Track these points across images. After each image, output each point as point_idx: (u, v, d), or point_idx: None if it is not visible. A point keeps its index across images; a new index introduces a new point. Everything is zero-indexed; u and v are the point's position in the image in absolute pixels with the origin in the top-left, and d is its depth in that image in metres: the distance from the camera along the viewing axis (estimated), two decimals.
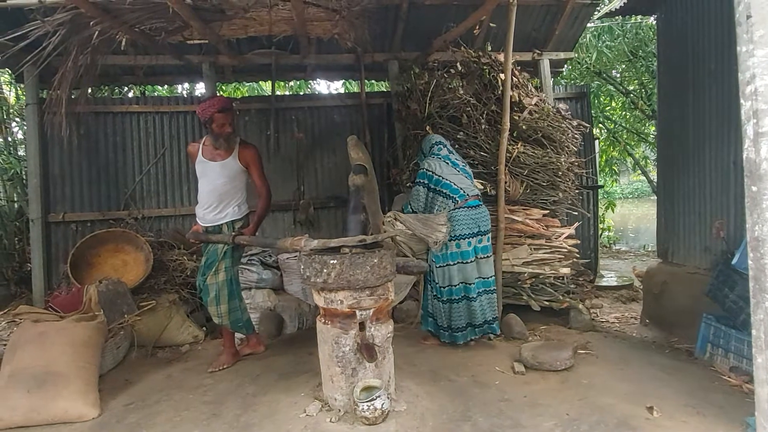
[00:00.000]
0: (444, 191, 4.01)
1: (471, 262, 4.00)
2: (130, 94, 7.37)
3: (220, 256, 3.75)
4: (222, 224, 3.82)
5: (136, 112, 5.60)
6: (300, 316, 4.80)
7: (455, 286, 3.99)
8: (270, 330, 4.58)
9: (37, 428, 2.95)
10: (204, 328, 4.67)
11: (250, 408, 3.01)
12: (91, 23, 3.57)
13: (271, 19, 4.01)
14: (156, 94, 8.08)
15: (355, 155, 3.45)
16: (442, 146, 4.25)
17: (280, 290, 5.04)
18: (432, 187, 4.06)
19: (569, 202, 5.01)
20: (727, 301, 3.59)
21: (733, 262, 3.54)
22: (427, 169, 4.10)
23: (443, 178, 4.04)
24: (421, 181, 4.11)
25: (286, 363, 3.79)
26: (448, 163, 4.12)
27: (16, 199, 6.49)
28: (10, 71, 6.04)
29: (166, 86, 8.24)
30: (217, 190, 3.77)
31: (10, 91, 7.74)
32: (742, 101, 1.99)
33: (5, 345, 3.49)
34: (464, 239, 3.97)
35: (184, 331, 4.49)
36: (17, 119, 7.43)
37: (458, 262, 3.98)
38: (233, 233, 3.69)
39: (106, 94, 6.87)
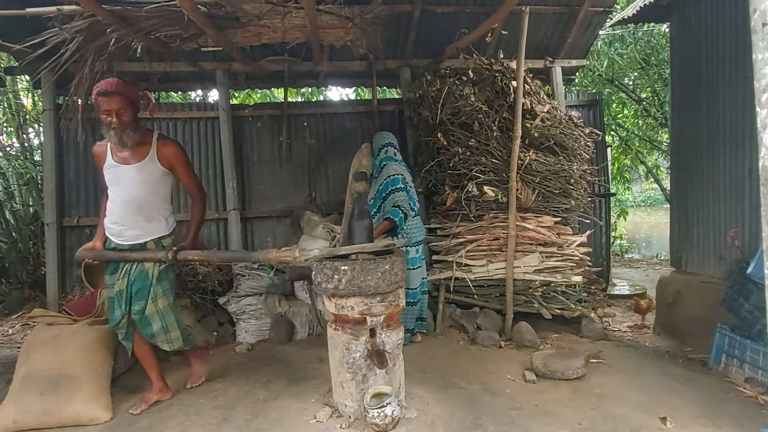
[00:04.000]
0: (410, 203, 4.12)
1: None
2: None
3: (152, 279, 3.12)
4: (147, 241, 3.16)
5: (150, 118, 5.65)
6: (310, 322, 4.80)
7: (413, 289, 4.14)
8: (281, 335, 4.59)
9: (50, 431, 2.98)
10: (215, 333, 4.69)
11: (261, 413, 3.02)
12: (108, 31, 3.62)
13: (284, 26, 4.04)
14: (170, 100, 8.16)
15: (366, 162, 3.46)
16: (394, 149, 4.30)
17: (290, 296, 5.05)
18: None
19: (581, 209, 5.00)
20: (742, 311, 3.55)
21: (748, 271, 3.50)
22: (400, 174, 4.10)
23: (410, 189, 4.14)
24: (400, 186, 4.06)
25: (296, 369, 3.80)
26: (408, 171, 4.26)
27: (31, 203, 6.59)
28: (27, 78, 6.15)
29: (179, 92, 8.32)
30: (135, 199, 3.09)
31: (27, 97, 7.88)
32: (758, 109, 1.98)
33: (19, 348, 3.53)
34: (420, 245, 4.21)
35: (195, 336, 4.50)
36: (34, 125, 7.57)
37: (417, 267, 4.18)
38: (174, 249, 3.12)
39: None
